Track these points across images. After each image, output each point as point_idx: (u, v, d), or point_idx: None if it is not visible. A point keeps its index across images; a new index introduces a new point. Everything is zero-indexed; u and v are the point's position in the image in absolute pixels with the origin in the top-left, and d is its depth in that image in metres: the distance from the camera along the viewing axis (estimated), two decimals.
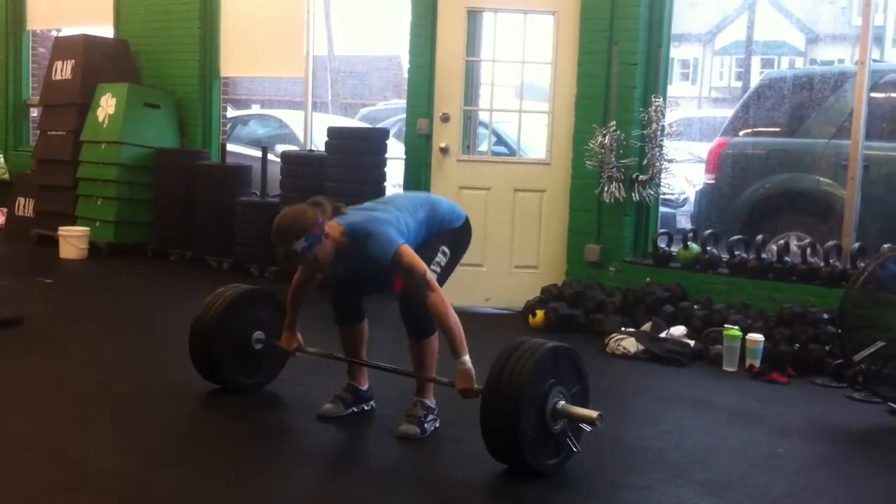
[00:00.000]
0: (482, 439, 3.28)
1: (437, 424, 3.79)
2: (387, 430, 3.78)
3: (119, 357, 4.91)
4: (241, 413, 4.01)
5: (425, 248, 3.71)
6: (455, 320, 3.52)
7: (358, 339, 3.95)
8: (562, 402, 3.30)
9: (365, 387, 4.00)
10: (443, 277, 3.77)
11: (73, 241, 7.92)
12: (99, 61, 8.47)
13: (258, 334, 4.15)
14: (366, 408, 4.01)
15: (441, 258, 3.70)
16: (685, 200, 8.03)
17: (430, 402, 3.78)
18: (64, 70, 8.59)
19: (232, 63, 8.31)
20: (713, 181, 6.98)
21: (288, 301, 3.96)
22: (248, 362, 4.18)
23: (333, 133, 6.93)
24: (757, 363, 4.95)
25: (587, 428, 3.33)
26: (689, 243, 6.00)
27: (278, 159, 7.49)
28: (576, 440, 3.38)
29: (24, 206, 9.22)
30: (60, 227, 8.05)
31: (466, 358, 3.50)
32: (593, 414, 3.29)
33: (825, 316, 5.08)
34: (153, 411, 4.00)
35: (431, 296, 3.50)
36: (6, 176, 9.91)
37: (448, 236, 3.81)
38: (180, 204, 7.76)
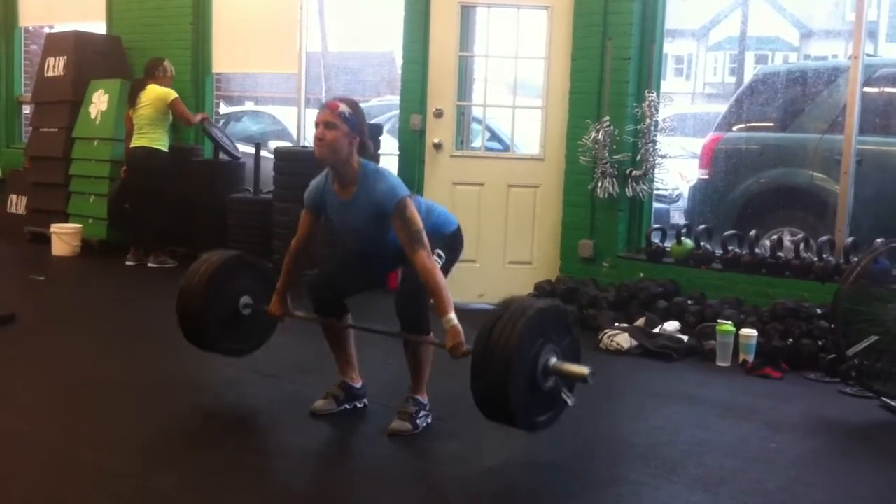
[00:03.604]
0: (472, 398, 3.21)
1: (430, 420, 3.78)
2: (379, 427, 3.77)
3: (113, 355, 4.90)
4: (236, 411, 4.01)
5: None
6: (442, 280, 3.49)
7: (343, 334, 3.91)
8: (553, 360, 3.24)
9: (358, 384, 3.98)
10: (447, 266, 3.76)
11: (65, 238, 7.91)
12: (91, 58, 8.45)
13: (245, 299, 4.09)
14: (358, 405, 3.98)
15: (437, 260, 3.64)
16: (679, 196, 8.03)
17: (423, 398, 3.77)
18: (56, 67, 8.57)
19: (225, 59, 8.29)
20: (707, 176, 6.99)
21: (284, 266, 3.93)
22: (236, 328, 4.11)
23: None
24: (750, 358, 4.95)
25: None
26: (682, 239, 6.00)
27: (271, 156, 7.47)
28: (569, 393, 3.34)
29: (17, 204, 9.19)
30: (53, 225, 8.04)
31: (453, 315, 3.43)
32: (585, 370, 3.26)
33: (818, 311, 5.08)
34: (148, 409, 3.98)
35: (421, 252, 3.46)
36: None
37: (440, 241, 3.77)
38: (173, 201, 7.74)
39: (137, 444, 3.56)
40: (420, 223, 3.52)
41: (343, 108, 3.52)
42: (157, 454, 3.47)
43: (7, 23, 10.08)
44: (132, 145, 7.42)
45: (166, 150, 7.47)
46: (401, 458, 3.53)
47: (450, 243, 3.84)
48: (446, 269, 3.76)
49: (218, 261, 4.10)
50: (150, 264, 7.50)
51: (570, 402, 3.35)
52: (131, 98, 7.49)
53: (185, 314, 4.06)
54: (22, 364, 4.64)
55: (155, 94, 7.33)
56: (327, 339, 3.94)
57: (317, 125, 3.54)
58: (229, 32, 8.20)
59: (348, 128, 3.51)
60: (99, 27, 9.01)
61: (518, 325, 3.13)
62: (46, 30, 10.00)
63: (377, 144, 6.92)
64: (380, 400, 4.04)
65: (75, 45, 8.45)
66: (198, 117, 7.55)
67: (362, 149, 3.58)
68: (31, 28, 10.44)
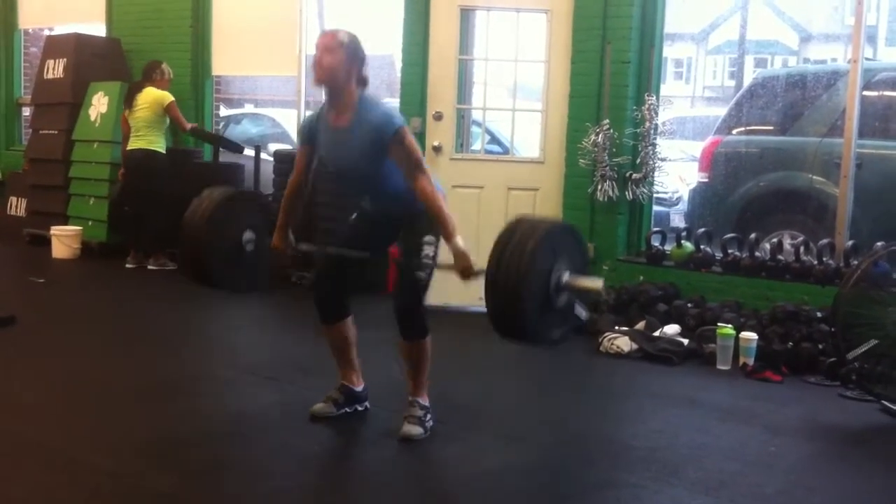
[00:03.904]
0: (489, 322, 3.22)
1: (432, 423, 3.77)
2: (380, 430, 3.77)
3: (112, 356, 4.90)
4: (235, 412, 4.01)
5: (414, 241, 3.63)
6: (444, 205, 3.48)
7: (345, 338, 3.88)
8: (566, 276, 3.22)
9: (359, 387, 3.95)
10: (430, 277, 3.68)
11: (65, 240, 7.90)
12: (91, 60, 8.45)
13: (248, 234, 4.03)
14: (359, 408, 3.96)
15: (429, 250, 3.61)
16: (678, 199, 8.03)
17: (425, 400, 3.75)
18: (56, 69, 8.56)
19: (224, 62, 8.29)
20: (706, 180, 6.98)
21: (283, 203, 3.94)
22: (239, 264, 4.03)
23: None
24: (750, 362, 4.95)
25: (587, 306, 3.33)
26: (682, 242, 6.00)
27: (271, 158, 7.47)
28: (582, 307, 3.33)
29: (17, 206, 9.19)
30: (53, 227, 8.03)
31: (459, 239, 3.41)
32: (598, 284, 3.27)
33: (818, 314, 5.08)
34: (147, 410, 3.98)
35: (421, 178, 3.45)
36: None
37: (428, 223, 3.65)
38: (172, 203, 7.73)
39: (136, 444, 3.55)
40: (419, 151, 3.54)
41: (342, 35, 3.52)
42: (156, 455, 3.47)
43: (6, 25, 10.08)
44: (129, 147, 7.42)
45: (163, 152, 7.46)
46: (400, 461, 3.53)
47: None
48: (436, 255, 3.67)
49: (220, 196, 4.02)
50: (149, 266, 7.49)
51: (583, 316, 3.34)
52: (128, 100, 7.48)
53: (188, 252, 3.98)
54: (21, 365, 4.63)
55: (152, 96, 7.32)
56: (329, 342, 3.92)
57: (316, 49, 3.54)
58: (229, 35, 8.21)
59: (346, 55, 3.50)
60: (99, 29, 9.01)
61: (529, 244, 3.11)
62: (46, 32, 10.00)
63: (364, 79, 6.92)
64: (380, 403, 4.03)
65: (75, 47, 8.45)
66: (189, 126, 7.54)
67: (360, 81, 3.57)
68: (30, 30, 10.44)
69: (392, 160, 3.53)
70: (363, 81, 3.58)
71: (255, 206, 4.22)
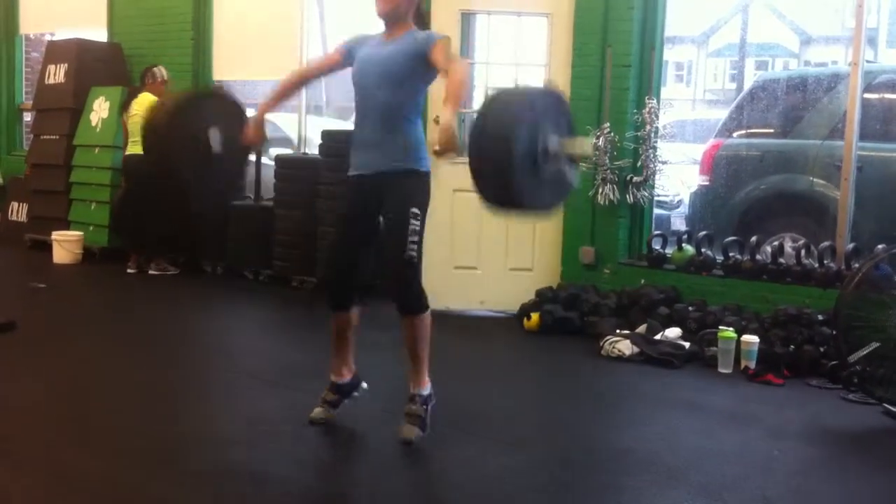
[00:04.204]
0: (476, 192, 3.20)
1: (434, 404, 3.74)
2: (380, 432, 3.77)
3: (113, 362, 4.89)
4: (236, 417, 4.00)
5: (401, 218, 3.59)
6: (466, 81, 3.55)
7: (347, 328, 3.84)
8: (553, 140, 3.18)
9: (346, 378, 3.90)
10: (420, 249, 3.63)
11: (66, 245, 7.91)
12: (92, 65, 8.47)
13: (215, 133, 3.91)
14: (356, 394, 3.94)
15: (416, 225, 3.56)
16: (679, 202, 8.03)
17: (426, 389, 3.72)
18: (57, 74, 8.58)
19: (225, 66, 8.29)
20: (707, 183, 6.98)
21: (279, 85, 3.97)
22: (208, 165, 3.93)
23: (328, 136, 6.92)
24: (752, 365, 4.94)
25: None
26: (683, 245, 6.00)
27: (272, 163, 7.47)
28: (572, 171, 3.32)
29: (18, 211, 9.20)
30: (54, 232, 8.04)
31: (453, 117, 3.27)
32: (586, 145, 3.28)
33: (820, 317, 5.08)
34: (147, 416, 3.98)
35: (457, 60, 3.53)
36: None
37: (416, 192, 3.65)
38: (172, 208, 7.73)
39: (136, 449, 3.55)
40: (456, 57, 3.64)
41: None
42: (156, 460, 3.47)
43: (8, 30, 10.11)
44: (126, 153, 7.43)
45: None
46: (400, 464, 3.52)
47: (426, 192, 3.71)
48: (420, 243, 3.62)
49: (181, 97, 4.02)
50: (151, 272, 7.49)
51: (574, 180, 3.34)
52: (125, 106, 7.52)
53: (155, 157, 3.94)
54: (21, 370, 4.63)
55: (147, 101, 7.33)
56: (333, 332, 3.86)
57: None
58: (230, 40, 8.22)
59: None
60: (100, 34, 9.02)
61: (511, 108, 3.09)
62: (47, 37, 10.03)
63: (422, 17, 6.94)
64: (384, 405, 4.03)
65: (76, 52, 8.47)
66: None
67: (417, 16, 3.75)
68: (31, 35, 10.47)
69: (429, 73, 3.60)
70: (421, 18, 3.79)
71: (219, 102, 4.12)
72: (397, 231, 3.57)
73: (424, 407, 3.70)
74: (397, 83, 3.62)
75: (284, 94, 3.99)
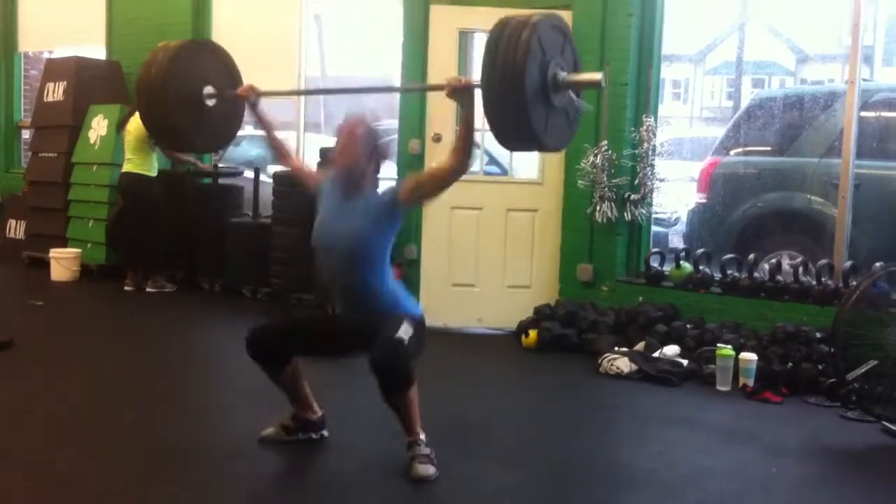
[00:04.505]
0: (491, 129, 3.22)
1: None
2: (376, 452, 3.75)
3: (110, 379, 4.89)
4: (233, 433, 3.99)
5: (391, 319, 3.50)
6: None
7: (293, 378, 3.77)
8: (562, 73, 3.21)
9: (314, 417, 3.85)
10: (415, 352, 3.50)
11: (64, 263, 7.90)
12: (91, 83, 8.49)
13: (209, 89, 3.96)
14: (314, 436, 3.86)
15: (408, 328, 3.45)
16: (677, 219, 8.03)
17: (423, 434, 3.56)
18: (56, 92, 8.60)
19: None
20: (705, 200, 6.99)
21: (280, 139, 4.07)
22: (205, 122, 3.96)
23: (326, 154, 6.93)
24: (750, 382, 4.94)
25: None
26: (681, 262, 6.00)
27: (270, 180, 7.48)
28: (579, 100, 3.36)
29: (16, 229, 9.20)
30: (52, 249, 8.04)
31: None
32: (597, 76, 3.28)
33: (818, 335, 5.08)
34: (142, 432, 3.97)
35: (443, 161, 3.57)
36: None
37: (409, 318, 3.54)
38: (173, 225, 7.74)
39: (136, 462, 3.55)
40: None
41: (364, 128, 3.61)
42: (153, 474, 3.45)
43: (7, 48, 10.14)
44: (122, 171, 7.46)
45: (154, 174, 7.46)
46: (400, 484, 3.50)
47: (418, 328, 3.56)
48: (415, 354, 3.52)
49: (174, 49, 3.95)
50: (148, 289, 7.49)
51: (583, 107, 3.38)
52: (121, 124, 7.55)
53: (150, 113, 3.93)
54: (19, 388, 4.62)
55: (139, 120, 7.35)
56: (276, 385, 3.79)
57: (340, 133, 3.63)
58: None
59: (367, 147, 3.61)
60: (98, 52, 9.05)
61: (520, 50, 3.07)
62: (46, 55, 10.05)
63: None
64: (371, 427, 4.01)
65: (75, 70, 8.49)
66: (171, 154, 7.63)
67: (376, 168, 3.70)
68: (30, 53, 10.49)
69: (395, 223, 3.61)
70: (378, 167, 3.71)
71: (212, 57, 4.13)
72: (390, 325, 3.44)
73: (428, 448, 3.54)
74: (363, 263, 3.56)
75: (274, 136, 4.04)
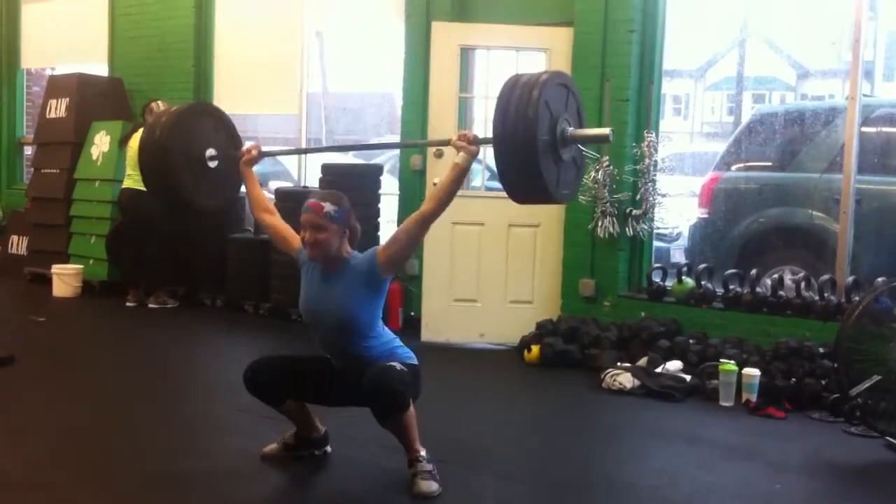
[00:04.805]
0: (502, 183, 3.28)
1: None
2: (376, 468, 3.74)
3: (112, 395, 4.88)
4: (235, 451, 3.98)
5: (386, 360, 3.54)
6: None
7: (298, 407, 3.78)
8: (570, 129, 3.29)
9: (317, 435, 3.87)
10: (412, 386, 3.53)
11: (66, 279, 7.90)
12: (93, 99, 8.51)
13: (211, 151, 4.01)
14: (316, 452, 3.87)
15: (402, 367, 3.48)
16: (679, 235, 8.03)
17: (423, 450, 3.55)
18: (58, 108, 8.62)
19: (226, 101, 8.30)
20: (706, 215, 6.99)
21: (264, 198, 3.96)
22: (206, 182, 4.01)
23: (327, 169, 6.95)
24: (753, 398, 4.93)
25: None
26: (683, 278, 6.00)
27: (272, 196, 7.49)
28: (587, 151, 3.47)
29: (18, 244, 9.20)
30: (54, 265, 8.04)
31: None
32: (605, 131, 3.34)
33: (821, 350, 5.07)
34: (143, 450, 3.96)
35: (418, 215, 3.47)
36: None
37: (401, 363, 3.56)
38: (174, 241, 7.74)
39: (137, 482, 3.54)
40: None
41: (328, 207, 3.48)
42: (157, 492, 3.44)
43: (9, 65, 10.17)
44: (122, 187, 7.47)
45: None
46: (397, 502, 3.48)
47: (414, 371, 3.60)
48: (417, 388, 3.58)
49: (176, 114, 4.01)
50: (150, 305, 7.48)
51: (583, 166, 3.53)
52: (124, 140, 7.57)
53: (154, 175, 3.97)
54: (20, 405, 4.61)
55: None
56: (281, 413, 3.81)
57: (304, 227, 3.51)
58: (231, 74, 8.28)
59: (337, 226, 3.51)
60: (101, 69, 9.08)
61: (529, 110, 3.13)
62: (48, 71, 10.09)
63: (377, 184, 6.97)
64: (375, 442, 4.00)
65: (77, 86, 8.52)
66: None
67: (352, 238, 3.60)
68: (33, 70, 10.53)
69: (383, 286, 3.58)
70: (355, 235, 3.62)
71: (215, 121, 4.17)
72: (383, 362, 3.49)
73: (431, 465, 3.53)
74: (353, 334, 3.56)
75: (256, 194, 3.96)
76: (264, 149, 4.05)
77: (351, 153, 13.09)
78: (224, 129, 4.22)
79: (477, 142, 3.43)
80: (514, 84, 3.24)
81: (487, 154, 7.24)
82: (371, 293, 3.55)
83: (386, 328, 3.70)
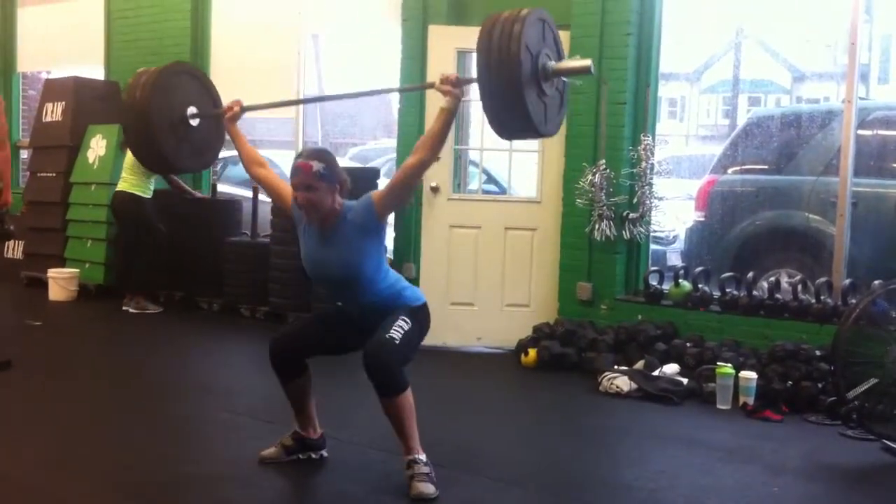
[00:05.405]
0: (488, 118, 3.29)
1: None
2: (375, 476, 3.74)
3: (108, 399, 4.87)
4: (234, 456, 3.97)
5: (390, 315, 3.57)
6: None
7: (303, 392, 3.82)
8: (551, 63, 3.30)
9: (315, 436, 3.88)
10: (407, 350, 3.53)
11: (62, 282, 7.89)
12: (89, 103, 8.51)
13: (192, 109, 4.02)
14: (314, 456, 3.88)
15: (403, 324, 3.51)
16: (675, 238, 8.04)
17: (423, 454, 3.55)
18: (54, 112, 8.61)
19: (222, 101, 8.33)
20: (703, 218, 7.00)
21: (254, 153, 3.99)
22: (189, 143, 4.02)
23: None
24: (750, 401, 4.93)
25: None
26: (680, 281, 6.01)
27: (269, 199, 7.49)
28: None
29: (14, 248, 9.19)
30: (50, 269, 8.03)
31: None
32: (586, 62, 3.34)
33: (818, 353, 5.08)
34: (141, 453, 3.95)
35: (411, 159, 3.54)
36: None
37: (407, 312, 3.61)
38: (170, 244, 7.74)
39: (132, 485, 3.53)
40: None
41: (316, 166, 3.49)
42: (152, 497, 3.44)
43: (5, 68, 10.16)
44: (115, 190, 7.46)
45: (148, 196, 7.46)
46: (398, 503, 3.50)
47: (417, 316, 3.65)
48: (416, 342, 3.61)
49: (155, 74, 4.03)
50: (130, 310, 7.41)
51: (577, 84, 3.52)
52: (124, 143, 7.57)
53: (138, 139, 3.99)
54: (16, 409, 4.60)
55: None
56: (287, 395, 3.83)
57: (295, 188, 3.52)
58: (227, 77, 8.23)
59: (327, 183, 3.51)
60: (97, 72, 9.07)
61: (512, 45, 3.14)
62: (44, 75, 10.07)
63: (374, 188, 6.96)
64: (375, 446, 4.00)
65: (74, 90, 8.51)
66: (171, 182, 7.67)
67: (342, 191, 3.61)
68: (29, 73, 10.52)
69: (383, 226, 3.64)
70: (345, 187, 3.63)
71: (193, 80, 4.20)
72: (386, 323, 3.52)
73: (427, 467, 3.53)
74: (359, 281, 3.60)
75: (246, 149, 3.98)
76: (246, 104, 4.02)
77: (348, 156, 13.11)
78: (203, 88, 4.21)
79: (460, 83, 3.45)
80: (493, 22, 3.26)
81: (484, 157, 7.26)
82: (371, 240, 3.59)
83: (391, 269, 3.74)
